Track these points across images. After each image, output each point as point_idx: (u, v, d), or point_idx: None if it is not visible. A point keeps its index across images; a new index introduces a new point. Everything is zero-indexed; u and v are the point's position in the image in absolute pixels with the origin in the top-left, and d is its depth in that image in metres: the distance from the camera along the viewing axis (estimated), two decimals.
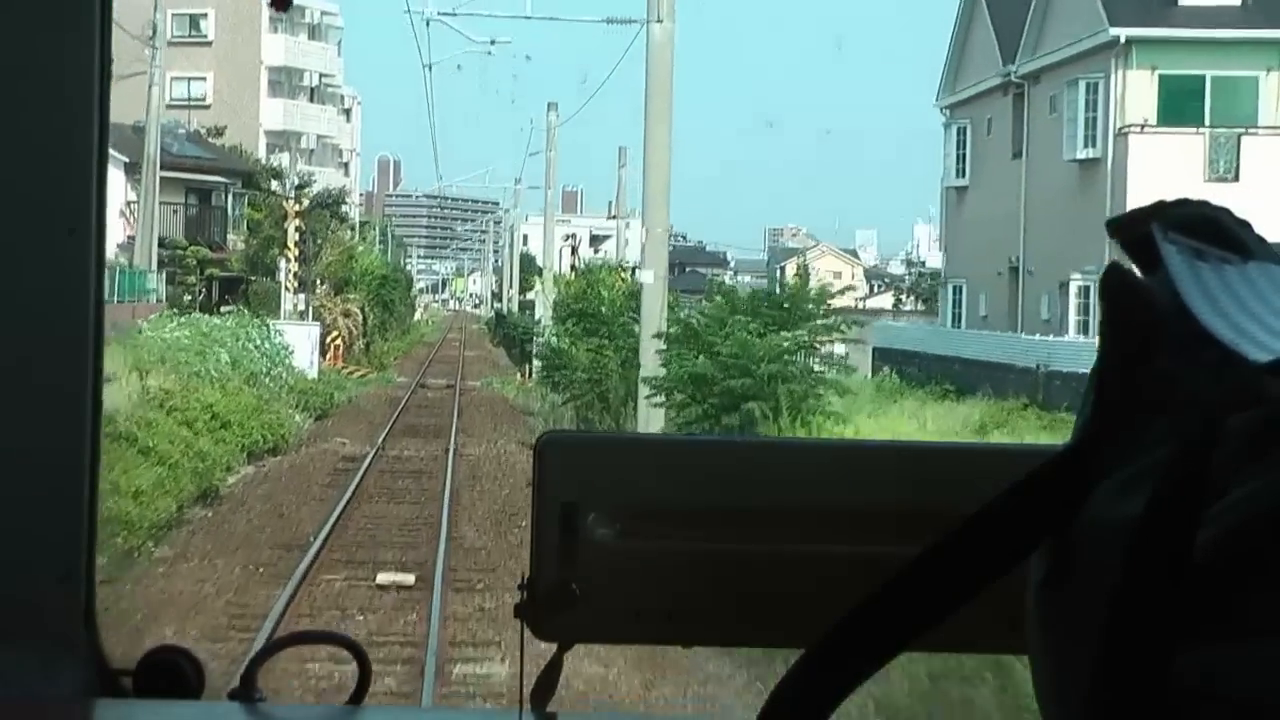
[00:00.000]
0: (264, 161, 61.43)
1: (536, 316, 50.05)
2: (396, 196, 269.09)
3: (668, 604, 1.51)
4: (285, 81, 75.29)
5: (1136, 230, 0.73)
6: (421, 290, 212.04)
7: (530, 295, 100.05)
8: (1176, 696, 0.62)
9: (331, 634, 2.17)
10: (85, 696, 1.92)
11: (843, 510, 1.50)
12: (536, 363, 44.05)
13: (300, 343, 38.77)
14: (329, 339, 48.17)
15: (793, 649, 0.82)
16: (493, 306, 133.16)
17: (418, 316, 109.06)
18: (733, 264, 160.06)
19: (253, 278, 50.16)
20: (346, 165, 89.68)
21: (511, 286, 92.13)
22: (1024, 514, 0.73)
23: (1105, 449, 0.71)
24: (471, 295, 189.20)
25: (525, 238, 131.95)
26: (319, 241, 52.18)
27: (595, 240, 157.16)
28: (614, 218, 47.39)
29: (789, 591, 1.47)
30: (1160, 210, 0.74)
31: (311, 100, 78.33)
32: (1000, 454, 1.57)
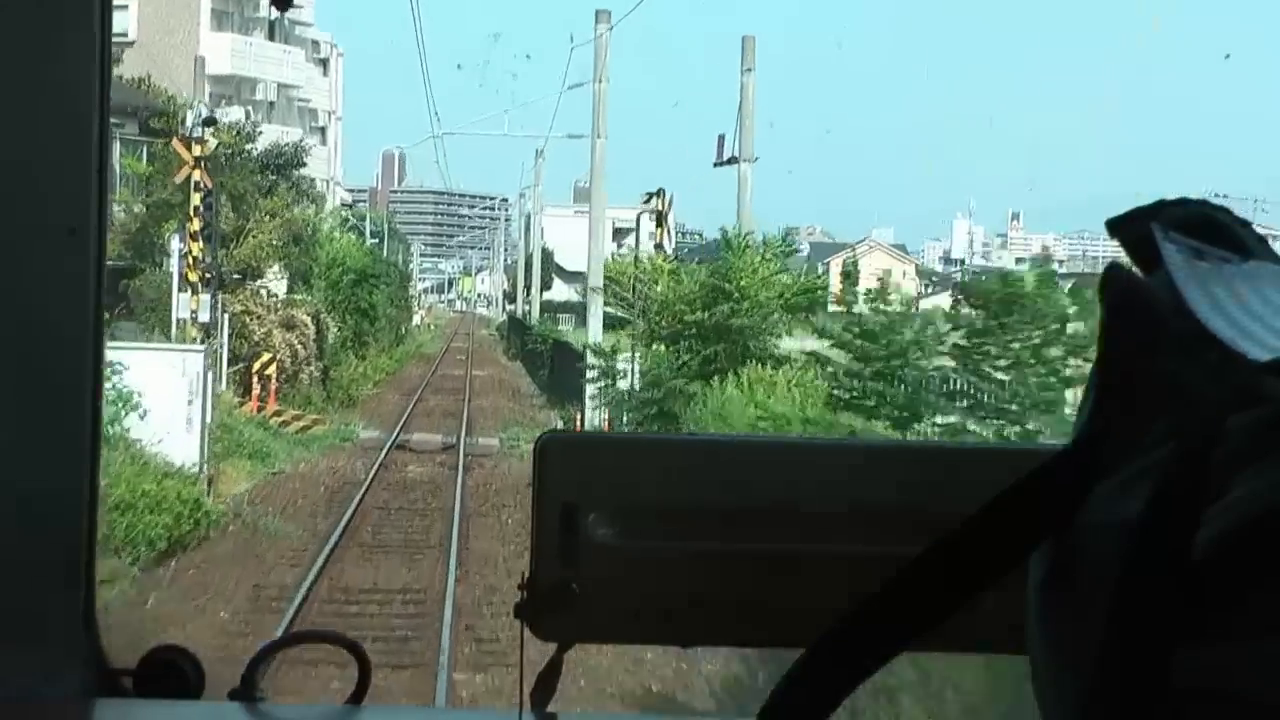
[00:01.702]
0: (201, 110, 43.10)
1: (590, 336, 31.33)
2: (401, 192, 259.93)
3: (668, 604, 1.50)
4: (235, 12, 57.06)
5: (1136, 230, 0.73)
6: (426, 290, 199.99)
7: (550, 295, 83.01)
8: (1176, 696, 0.62)
9: (332, 634, 2.05)
10: (85, 696, 1.92)
11: (843, 510, 1.49)
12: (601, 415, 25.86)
13: (165, 385, 20.46)
14: (256, 366, 29.67)
15: (793, 649, 0.81)
16: (505, 309, 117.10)
17: (417, 321, 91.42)
18: None
19: (142, 266, 31.80)
20: (323, 131, 71.37)
21: (530, 286, 74.04)
22: (1024, 514, 0.73)
23: (1105, 449, 0.70)
24: (481, 296, 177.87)
25: (542, 230, 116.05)
26: (249, 214, 33.88)
27: (618, 234, 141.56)
28: (729, 161, 27.60)
29: (789, 591, 1.47)
30: (1160, 210, 0.74)
31: (271, 38, 60.02)
32: (1000, 454, 1.54)
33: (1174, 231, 0.72)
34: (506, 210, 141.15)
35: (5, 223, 1.91)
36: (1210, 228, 0.73)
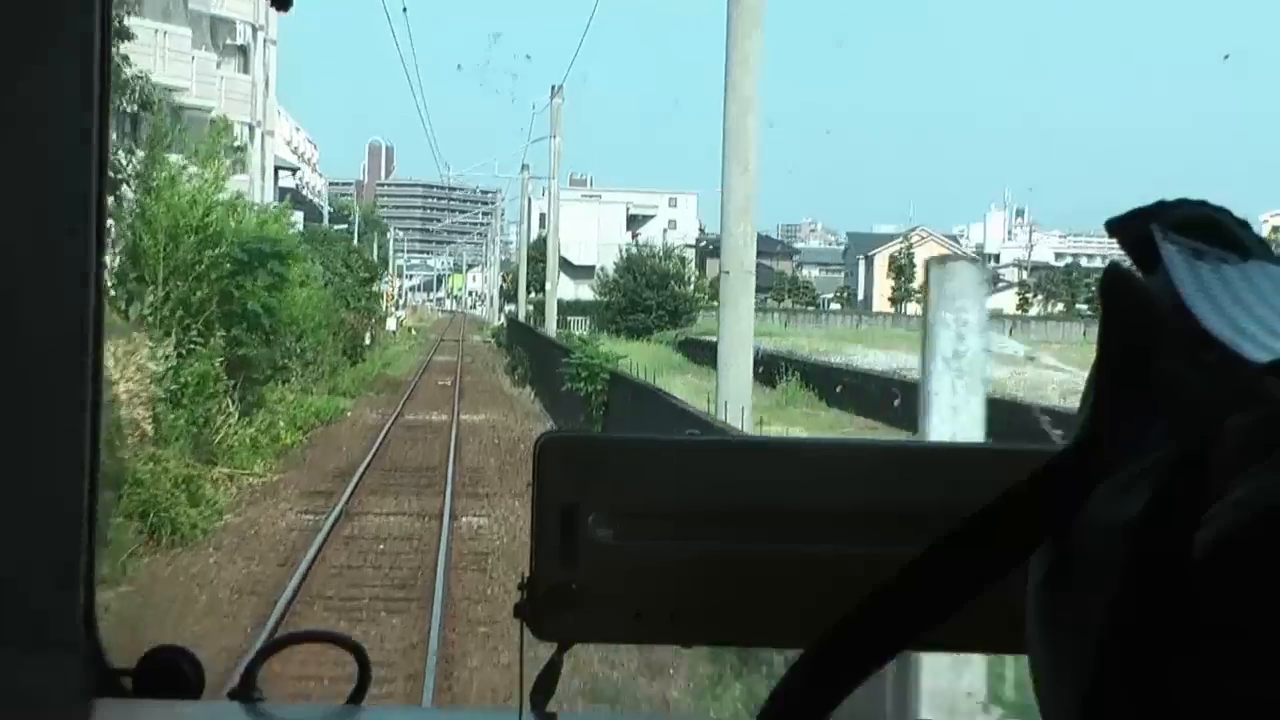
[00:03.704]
0: None
1: None
2: (389, 185, 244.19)
3: (668, 604, 1.50)
4: None
5: (1136, 230, 0.74)
6: (413, 288, 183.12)
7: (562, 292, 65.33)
8: (1176, 697, 0.62)
9: (331, 633, 2.05)
10: (85, 696, 1.91)
11: (843, 510, 1.49)
12: None
13: None
14: None
15: (793, 649, 0.83)
16: (503, 310, 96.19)
17: (393, 326, 70.22)
18: (800, 254, 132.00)
19: None
20: (243, 52, 50.05)
21: (538, 283, 53.75)
22: (1024, 514, 0.74)
23: (1105, 449, 0.71)
24: (471, 294, 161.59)
25: (543, 217, 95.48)
26: None
27: (633, 221, 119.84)
28: None
29: (789, 591, 1.47)
30: (1160, 210, 0.75)
31: None
32: (1000, 454, 1.55)
33: (1173, 232, 0.72)
34: (501, 199, 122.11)
35: (5, 223, 1.90)
36: (1210, 228, 0.73)
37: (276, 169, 57.37)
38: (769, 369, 42.64)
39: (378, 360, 49.14)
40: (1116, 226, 0.74)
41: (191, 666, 1.86)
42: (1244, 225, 0.75)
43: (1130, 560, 0.64)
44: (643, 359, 32.74)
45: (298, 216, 52.73)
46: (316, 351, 35.24)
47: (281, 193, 58.13)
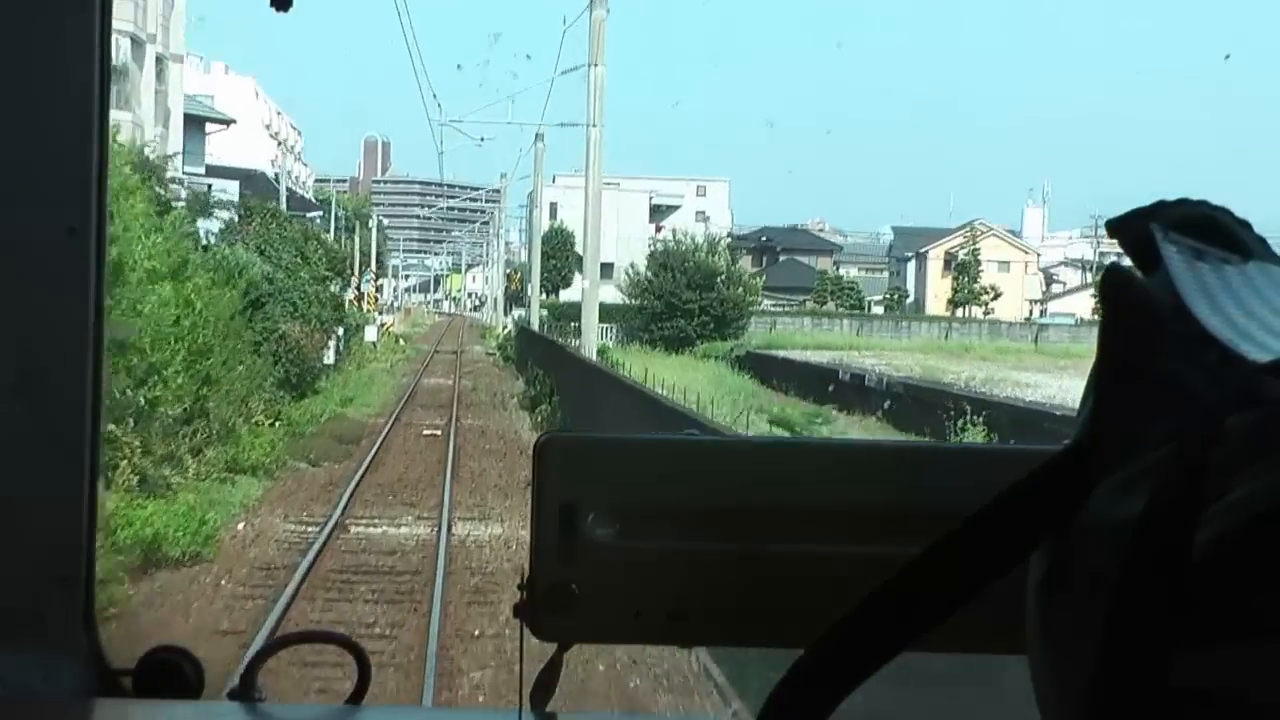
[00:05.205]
0: None
1: None
2: (385, 182, 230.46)
3: (668, 604, 1.50)
4: None
5: (1136, 230, 0.74)
6: (410, 289, 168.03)
7: (570, 294, 51.66)
8: (1175, 697, 0.62)
9: (331, 633, 2.04)
10: (85, 696, 1.91)
11: (843, 510, 1.49)
12: None
13: None
14: None
15: (793, 649, 0.82)
16: (511, 315, 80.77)
17: (371, 336, 55.85)
18: (841, 250, 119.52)
19: None
20: None
21: (586, 281, 39.09)
22: (1024, 514, 0.74)
23: (1105, 449, 0.71)
24: (472, 295, 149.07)
25: (554, 206, 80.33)
26: None
27: (657, 212, 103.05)
28: None
29: (789, 591, 1.47)
30: (1160, 210, 0.75)
31: None
32: (1000, 454, 1.55)
33: (1174, 232, 0.72)
34: (505, 184, 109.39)
35: (5, 223, 1.90)
36: (1210, 228, 0.73)
37: (202, 120, 42.06)
38: (907, 405, 30.82)
39: (337, 391, 34.04)
40: (1116, 226, 0.74)
41: (191, 666, 1.86)
42: (1244, 225, 0.74)
43: (1130, 560, 0.64)
44: (699, 383, 27.02)
45: (232, 187, 37.21)
46: (197, 398, 19.83)
47: (233, 172, 42.86)
